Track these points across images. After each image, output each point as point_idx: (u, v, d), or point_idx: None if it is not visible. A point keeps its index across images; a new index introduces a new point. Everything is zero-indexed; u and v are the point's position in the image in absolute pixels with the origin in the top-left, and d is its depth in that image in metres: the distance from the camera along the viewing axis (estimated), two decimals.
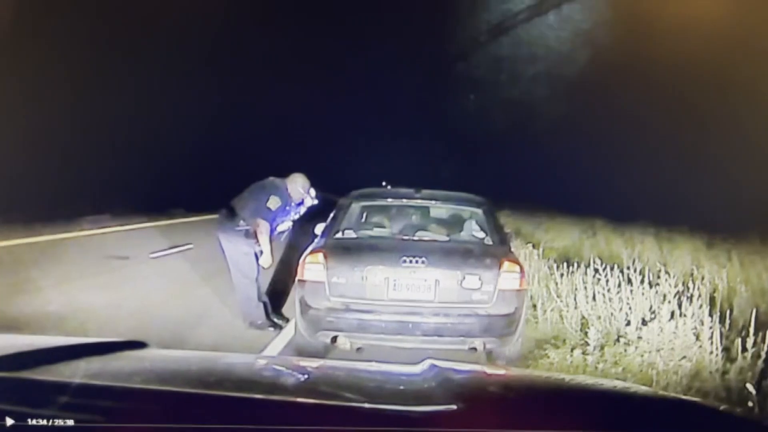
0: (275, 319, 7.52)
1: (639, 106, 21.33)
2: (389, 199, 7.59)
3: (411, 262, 5.80)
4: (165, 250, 12.79)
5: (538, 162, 29.25)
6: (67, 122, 21.20)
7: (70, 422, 1.37)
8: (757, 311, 5.88)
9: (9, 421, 1.37)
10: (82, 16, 23.59)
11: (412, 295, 5.81)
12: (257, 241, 7.08)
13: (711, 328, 5.64)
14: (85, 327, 6.79)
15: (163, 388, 1.79)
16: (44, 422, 1.37)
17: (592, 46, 25.87)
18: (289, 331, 7.03)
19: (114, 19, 25.50)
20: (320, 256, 5.93)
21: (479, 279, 5.79)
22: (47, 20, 21.66)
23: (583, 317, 7.30)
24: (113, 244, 13.63)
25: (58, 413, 1.38)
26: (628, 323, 6.63)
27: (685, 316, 5.99)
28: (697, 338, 5.67)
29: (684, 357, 5.54)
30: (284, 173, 7.61)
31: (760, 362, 5.05)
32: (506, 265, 5.91)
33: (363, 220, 7.61)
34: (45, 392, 1.57)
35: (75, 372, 1.76)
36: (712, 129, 18.06)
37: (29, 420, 1.38)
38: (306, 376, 2.32)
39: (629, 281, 7.49)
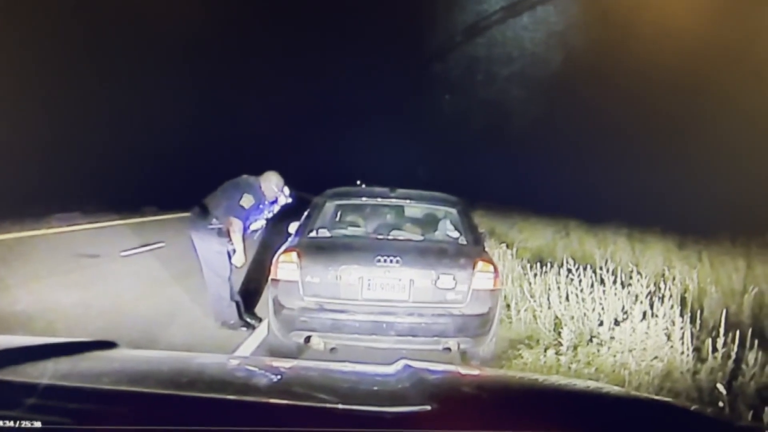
0: (248, 319, 7.47)
1: (613, 108, 21.54)
2: (364, 198, 7.57)
3: (385, 261, 5.79)
4: (136, 248, 12.69)
5: (513, 162, 29.42)
6: (36, 119, 20.99)
7: (38, 424, 1.35)
8: (727, 312, 5.95)
9: None
10: (56, 16, 23.39)
11: (386, 295, 5.79)
12: (230, 239, 7.04)
13: (682, 328, 5.71)
14: (54, 327, 6.70)
15: (133, 389, 1.76)
16: (11, 424, 1.34)
17: (567, 47, 26.12)
18: (261, 331, 7.00)
19: (88, 20, 25.31)
20: (294, 255, 5.89)
21: (453, 279, 5.80)
22: (23, 19, 21.47)
23: (557, 317, 7.35)
24: (83, 242, 13.49)
25: (25, 415, 1.36)
26: (601, 323, 6.68)
27: (656, 316, 6.04)
28: (669, 338, 5.72)
29: (656, 357, 5.59)
30: (258, 171, 7.57)
31: (730, 363, 5.11)
32: (480, 264, 5.92)
33: (337, 219, 7.60)
34: (11, 393, 1.54)
35: (43, 373, 1.72)
36: (686, 131, 18.28)
37: None
38: (279, 377, 2.30)
39: (602, 281, 7.55)
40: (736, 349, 5.17)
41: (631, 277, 7.76)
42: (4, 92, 18.64)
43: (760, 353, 5.01)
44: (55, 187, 19.59)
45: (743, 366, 4.96)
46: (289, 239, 6.39)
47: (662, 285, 7.40)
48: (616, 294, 7.16)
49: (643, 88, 20.03)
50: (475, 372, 3.70)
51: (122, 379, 1.95)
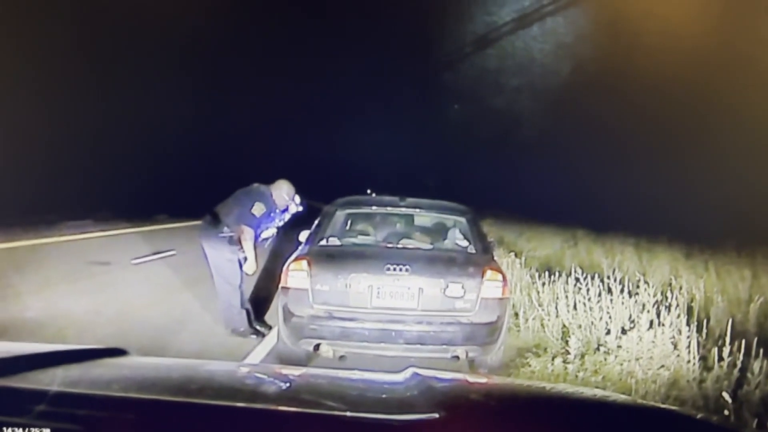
0: (258, 327, 7.49)
1: (620, 118, 21.51)
2: (374, 207, 7.59)
3: (395, 269, 5.80)
4: (147, 256, 12.72)
5: (522, 172, 29.35)
6: (49, 127, 21.08)
7: (47, 431, 1.35)
8: (733, 321, 5.97)
9: None
10: (58, 22, 23.50)
11: (395, 303, 5.80)
12: (241, 247, 7.06)
13: (688, 337, 5.70)
14: (64, 333, 6.75)
15: (143, 396, 1.74)
16: (20, 431, 1.35)
17: (574, 58, 26.07)
18: (271, 338, 7.01)
19: (92, 27, 25.41)
20: (304, 263, 5.91)
21: (462, 287, 5.80)
22: (24, 23, 21.58)
23: (564, 326, 7.34)
24: (95, 250, 13.54)
25: (34, 422, 1.36)
26: (608, 332, 6.68)
27: (663, 325, 6.03)
28: (675, 347, 5.72)
29: (662, 366, 5.59)
30: (269, 180, 7.60)
31: (736, 371, 5.10)
32: (489, 273, 5.93)
33: (347, 227, 7.61)
34: (22, 400, 1.52)
35: (53, 379, 1.72)
36: (692, 141, 18.23)
37: (5, 429, 1.36)
38: (288, 384, 2.30)
39: (609, 290, 7.54)
40: (741, 357, 5.17)
41: (638, 287, 7.75)
42: (14, 102, 18.76)
43: (765, 362, 4.99)
44: (67, 196, 19.68)
45: (749, 375, 4.95)
46: (300, 248, 6.41)
47: (669, 294, 7.40)
48: (623, 303, 7.15)
49: (649, 99, 20.00)
50: (483, 380, 3.70)
51: (132, 386, 1.93)
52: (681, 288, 8.31)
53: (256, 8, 41.46)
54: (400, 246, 6.72)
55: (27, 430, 1.35)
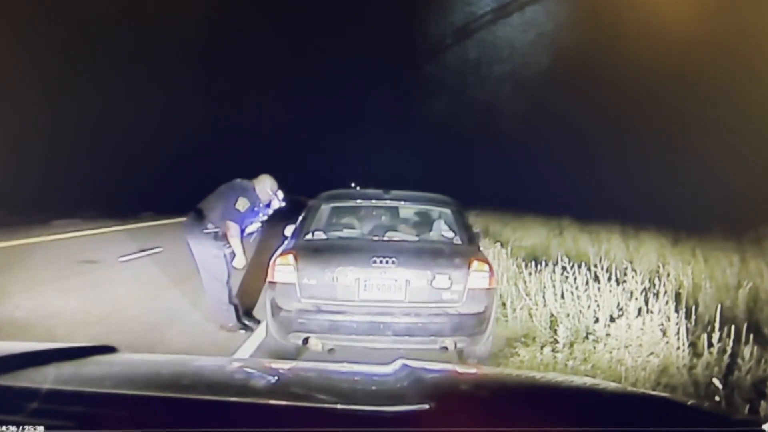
0: (246, 322, 7.48)
1: (605, 107, 21.57)
2: (358, 200, 7.57)
3: (381, 262, 5.80)
4: (134, 253, 12.71)
5: (506, 162, 29.43)
6: (34, 128, 21.00)
7: (41, 428, 1.35)
8: (721, 307, 5.98)
9: None
10: (51, 24, 23.42)
11: (382, 296, 5.80)
12: (227, 243, 7.05)
13: (677, 324, 5.71)
14: (54, 332, 6.71)
15: (134, 393, 1.75)
16: (14, 429, 1.34)
17: (555, 47, 26.14)
18: (260, 333, 7.00)
19: (85, 30, 25.31)
20: (290, 257, 5.90)
21: (449, 278, 5.81)
22: (22, 28, 21.50)
23: (552, 315, 7.35)
24: (82, 248, 13.50)
25: (27, 419, 1.36)
26: (597, 320, 6.70)
27: (651, 312, 6.04)
28: (664, 334, 5.73)
29: (652, 353, 5.60)
30: (252, 175, 7.58)
31: (725, 357, 5.12)
32: (475, 264, 5.93)
33: (333, 221, 7.59)
34: (14, 398, 1.53)
35: (45, 377, 1.72)
36: (677, 129, 18.33)
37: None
38: (278, 378, 2.30)
39: (597, 279, 7.54)
40: (731, 343, 5.18)
41: (625, 274, 7.75)
42: (2, 102, 18.67)
43: (755, 347, 5.02)
44: (53, 195, 19.66)
45: (739, 360, 4.96)
46: (286, 242, 6.40)
47: (657, 281, 7.43)
48: (611, 291, 7.15)
49: (633, 87, 20.08)
50: (473, 370, 3.71)
51: (123, 382, 1.94)
52: (669, 275, 8.35)
53: (230, 5, 41.27)
54: (386, 238, 6.73)
55: (21, 428, 1.35)
